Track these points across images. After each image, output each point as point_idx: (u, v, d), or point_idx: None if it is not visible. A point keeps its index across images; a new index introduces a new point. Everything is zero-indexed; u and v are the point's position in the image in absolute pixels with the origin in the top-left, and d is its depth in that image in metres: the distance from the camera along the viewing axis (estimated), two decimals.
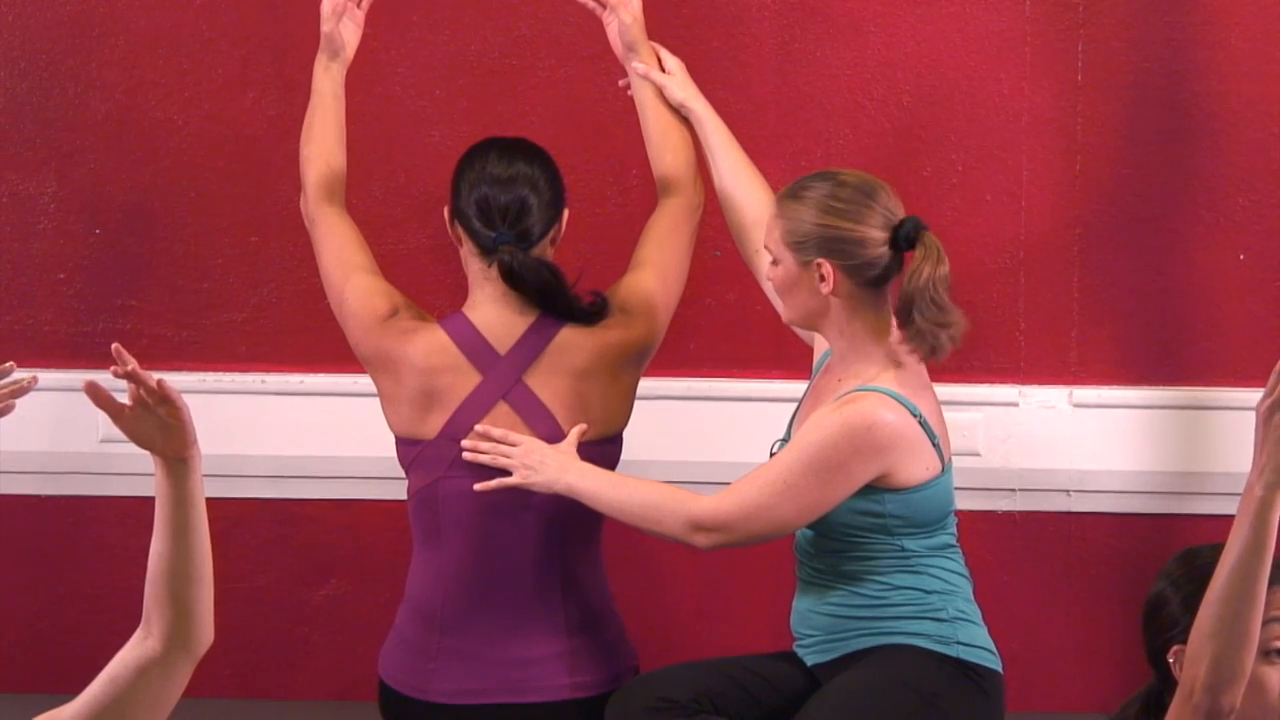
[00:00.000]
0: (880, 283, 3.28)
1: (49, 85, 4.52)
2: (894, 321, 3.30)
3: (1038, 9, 4.39)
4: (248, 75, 4.50)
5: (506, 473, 3.34)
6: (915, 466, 3.24)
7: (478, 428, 3.36)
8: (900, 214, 3.28)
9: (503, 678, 3.38)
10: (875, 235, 3.24)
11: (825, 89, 4.43)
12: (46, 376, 4.22)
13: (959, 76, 4.42)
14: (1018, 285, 4.44)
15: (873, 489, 3.23)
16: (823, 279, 3.26)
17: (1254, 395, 2.51)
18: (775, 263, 3.32)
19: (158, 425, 2.36)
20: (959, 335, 3.26)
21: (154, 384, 2.33)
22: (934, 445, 3.26)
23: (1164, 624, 2.83)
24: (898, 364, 3.28)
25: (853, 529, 3.26)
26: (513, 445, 3.35)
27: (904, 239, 3.25)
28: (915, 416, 3.23)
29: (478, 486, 3.33)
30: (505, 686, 3.38)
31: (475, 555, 3.39)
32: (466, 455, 3.36)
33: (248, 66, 4.50)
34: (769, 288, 3.46)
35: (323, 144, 3.64)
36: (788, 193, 3.32)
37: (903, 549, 3.27)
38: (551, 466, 3.32)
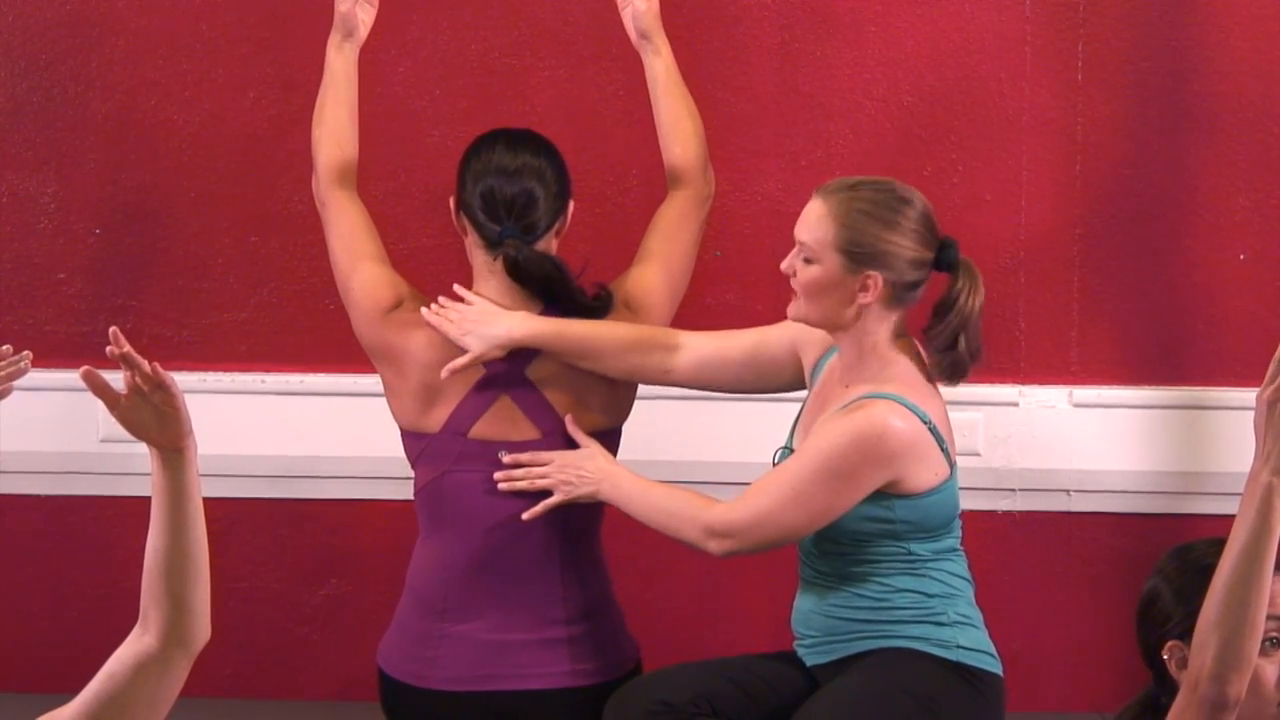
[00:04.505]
0: (911, 300, 3.25)
1: (49, 85, 4.52)
2: (913, 338, 3.29)
3: (1038, 9, 4.39)
4: (248, 75, 4.50)
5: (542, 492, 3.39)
6: (925, 473, 3.20)
7: (506, 458, 3.38)
8: (939, 232, 3.26)
9: (504, 664, 3.39)
10: (926, 255, 3.21)
11: (825, 89, 4.43)
12: (47, 376, 4.25)
13: (959, 76, 4.41)
14: (1018, 285, 4.44)
15: (883, 495, 3.20)
16: (865, 289, 3.20)
17: (1254, 395, 2.51)
18: (809, 261, 3.22)
19: (153, 414, 2.36)
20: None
21: (148, 368, 2.33)
22: (942, 450, 3.23)
23: (1158, 619, 2.82)
24: (906, 370, 3.25)
25: (862, 534, 3.24)
26: (544, 464, 3.37)
27: (946, 263, 3.24)
28: (925, 423, 3.19)
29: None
30: (506, 673, 3.39)
31: (480, 545, 3.40)
32: (502, 486, 3.38)
33: (248, 66, 4.50)
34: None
35: (334, 125, 3.61)
36: (844, 195, 3.22)
37: (909, 552, 3.25)
38: (588, 479, 3.35)
